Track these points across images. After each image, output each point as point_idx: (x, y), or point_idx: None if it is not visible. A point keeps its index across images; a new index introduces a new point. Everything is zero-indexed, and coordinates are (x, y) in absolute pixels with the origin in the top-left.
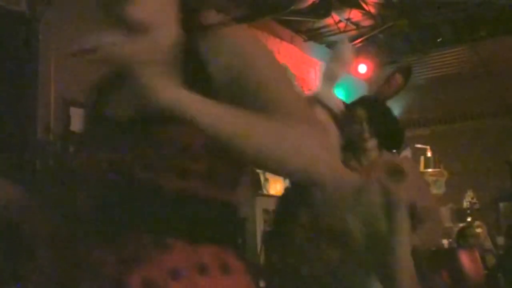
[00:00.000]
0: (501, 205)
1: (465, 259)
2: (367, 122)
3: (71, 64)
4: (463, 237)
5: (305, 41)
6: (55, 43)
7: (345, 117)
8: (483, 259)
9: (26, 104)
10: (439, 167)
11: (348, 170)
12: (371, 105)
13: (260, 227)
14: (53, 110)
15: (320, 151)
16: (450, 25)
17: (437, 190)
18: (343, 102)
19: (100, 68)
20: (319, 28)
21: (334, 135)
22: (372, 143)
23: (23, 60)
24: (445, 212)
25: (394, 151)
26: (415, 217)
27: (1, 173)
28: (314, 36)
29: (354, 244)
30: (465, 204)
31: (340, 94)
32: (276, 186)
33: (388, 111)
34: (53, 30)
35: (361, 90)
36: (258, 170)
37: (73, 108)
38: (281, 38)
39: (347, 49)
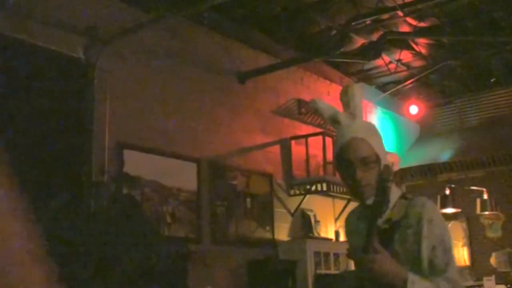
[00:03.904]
0: None
1: None
2: None
3: (125, 108)
4: None
5: (355, 82)
6: (110, 87)
7: None
8: None
9: (81, 146)
10: (495, 210)
11: None
12: None
13: (311, 269)
14: (107, 152)
15: None
16: (503, 65)
17: (493, 233)
18: None
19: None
20: (370, 70)
21: None
22: None
23: (79, 104)
24: (502, 256)
25: None
26: None
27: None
28: (365, 77)
29: None
30: None
31: (393, 137)
32: (327, 230)
33: None
34: (108, 75)
35: (413, 132)
36: (308, 213)
37: (127, 151)
38: (331, 80)
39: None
